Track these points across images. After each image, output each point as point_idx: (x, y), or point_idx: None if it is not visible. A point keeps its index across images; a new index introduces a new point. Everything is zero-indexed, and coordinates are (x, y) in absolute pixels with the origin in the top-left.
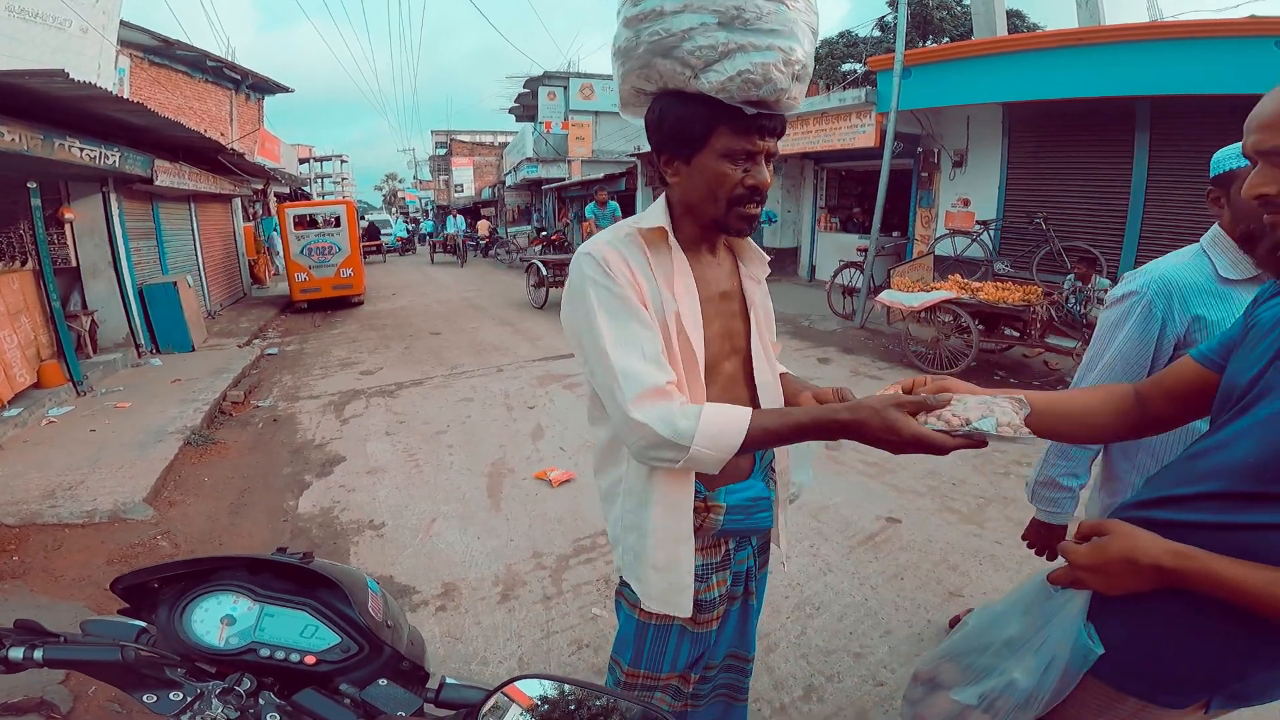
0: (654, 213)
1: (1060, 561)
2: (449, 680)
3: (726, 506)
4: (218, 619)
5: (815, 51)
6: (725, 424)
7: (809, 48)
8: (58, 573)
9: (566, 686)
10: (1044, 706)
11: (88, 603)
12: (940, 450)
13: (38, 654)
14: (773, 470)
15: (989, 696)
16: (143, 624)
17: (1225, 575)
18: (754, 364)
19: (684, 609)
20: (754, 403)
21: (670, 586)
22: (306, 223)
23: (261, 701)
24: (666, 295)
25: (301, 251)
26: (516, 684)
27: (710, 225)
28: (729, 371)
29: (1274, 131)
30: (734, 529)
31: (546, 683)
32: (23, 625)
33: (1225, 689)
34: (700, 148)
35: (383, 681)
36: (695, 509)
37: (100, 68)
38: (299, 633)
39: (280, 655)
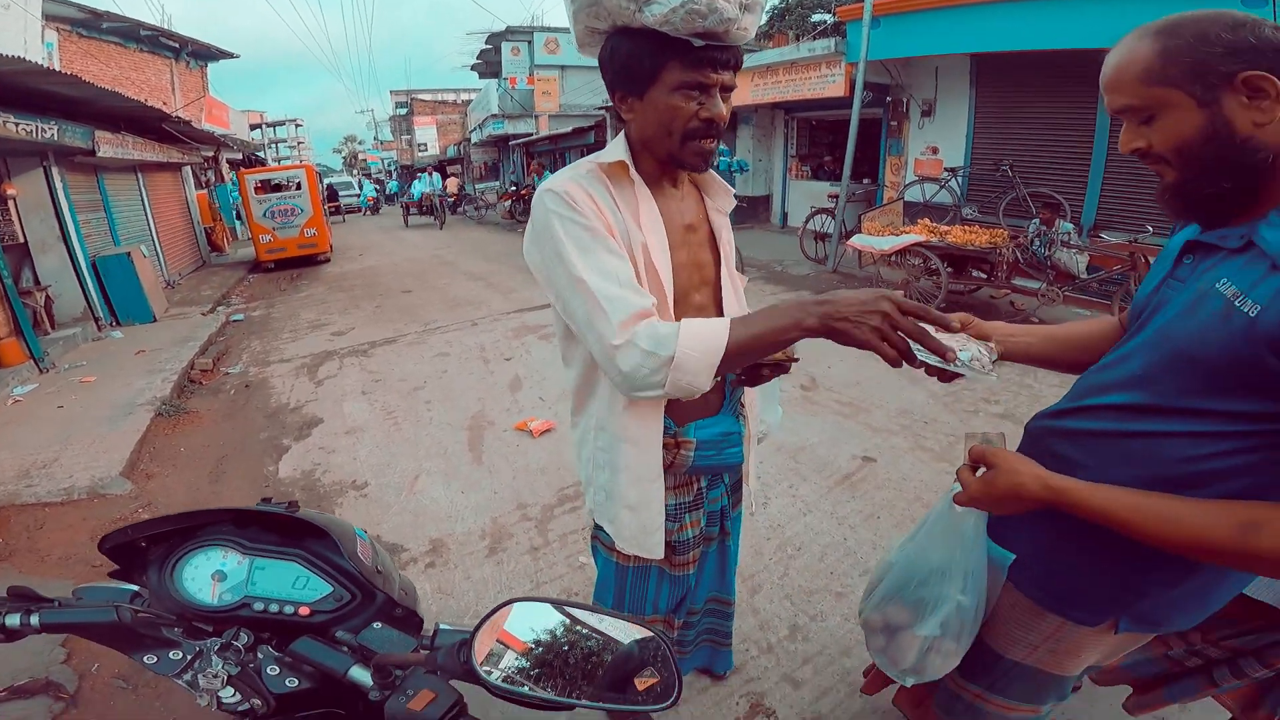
0: (614, 148)
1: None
2: (443, 626)
3: (697, 442)
4: (209, 575)
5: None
6: (706, 327)
7: None
8: (43, 552)
9: (559, 629)
10: (986, 614)
11: (77, 580)
12: (902, 343)
13: (34, 619)
14: (742, 405)
15: (949, 623)
16: (135, 588)
17: (1091, 503)
18: (722, 295)
19: (655, 550)
20: None
21: (642, 527)
22: (268, 187)
23: (260, 655)
24: (632, 227)
25: (264, 215)
26: (507, 628)
27: (667, 160)
28: (698, 302)
29: (1116, 94)
30: (705, 465)
31: (538, 625)
32: (16, 592)
33: (1129, 608)
34: (652, 82)
35: (377, 625)
36: (665, 445)
37: (26, 42)
38: (291, 584)
39: (274, 608)
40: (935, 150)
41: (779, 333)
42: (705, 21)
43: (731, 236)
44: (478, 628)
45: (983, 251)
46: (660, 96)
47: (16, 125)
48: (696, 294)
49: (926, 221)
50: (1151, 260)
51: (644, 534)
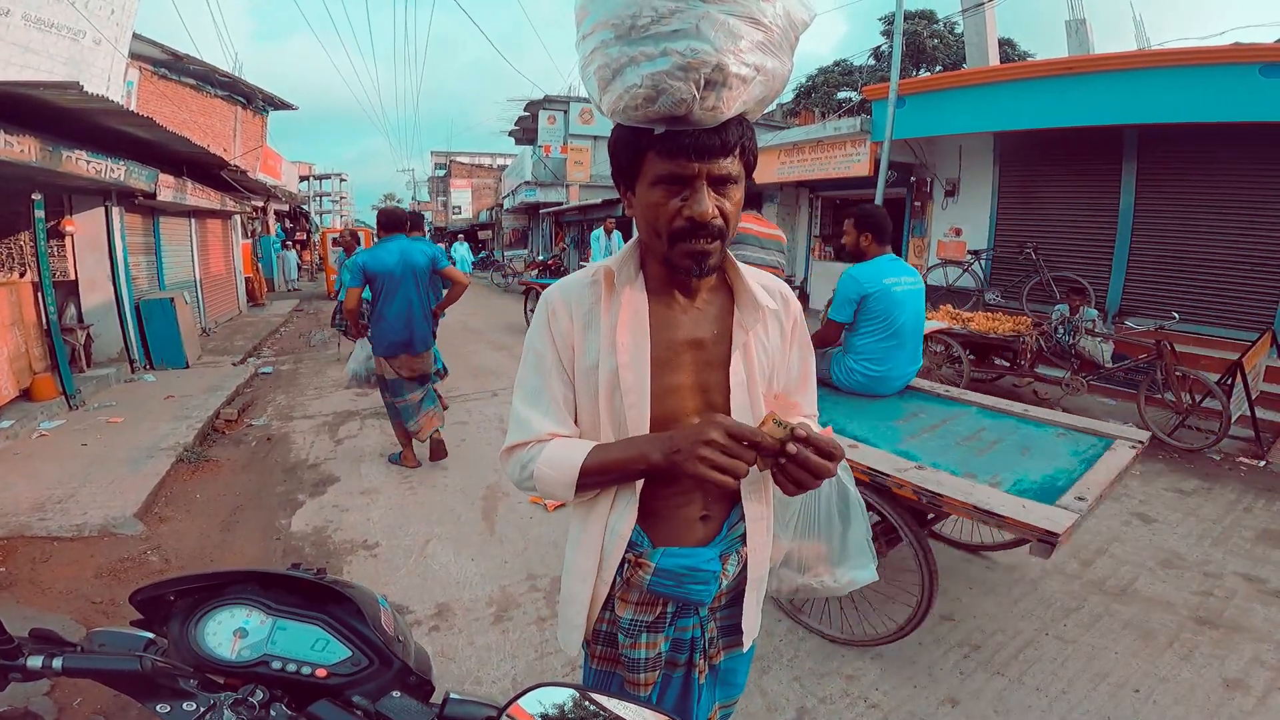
0: (619, 253)
1: None
2: (453, 695)
3: (655, 567)
4: (230, 632)
5: (779, 55)
6: (566, 452)
7: (733, 44)
8: (45, 585)
9: (569, 703)
10: None
11: (74, 616)
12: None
13: (56, 663)
14: (743, 544)
15: None
16: (150, 635)
17: None
18: None
19: (569, 647)
20: None
21: (565, 620)
22: (336, 243)
23: (273, 713)
24: (607, 346)
25: (335, 261)
26: (519, 703)
27: (664, 263)
28: None
29: None
30: (662, 593)
31: (548, 702)
32: (38, 634)
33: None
34: (636, 177)
35: (396, 694)
36: (627, 560)
37: (110, 80)
38: (310, 646)
39: (291, 668)
40: (959, 231)
41: (627, 463)
42: (655, 105)
43: (774, 354)
44: (504, 709)
45: (1006, 339)
46: (644, 192)
47: (88, 163)
48: (697, 418)
49: (949, 307)
50: (1177, 348)
51: (565, 627)
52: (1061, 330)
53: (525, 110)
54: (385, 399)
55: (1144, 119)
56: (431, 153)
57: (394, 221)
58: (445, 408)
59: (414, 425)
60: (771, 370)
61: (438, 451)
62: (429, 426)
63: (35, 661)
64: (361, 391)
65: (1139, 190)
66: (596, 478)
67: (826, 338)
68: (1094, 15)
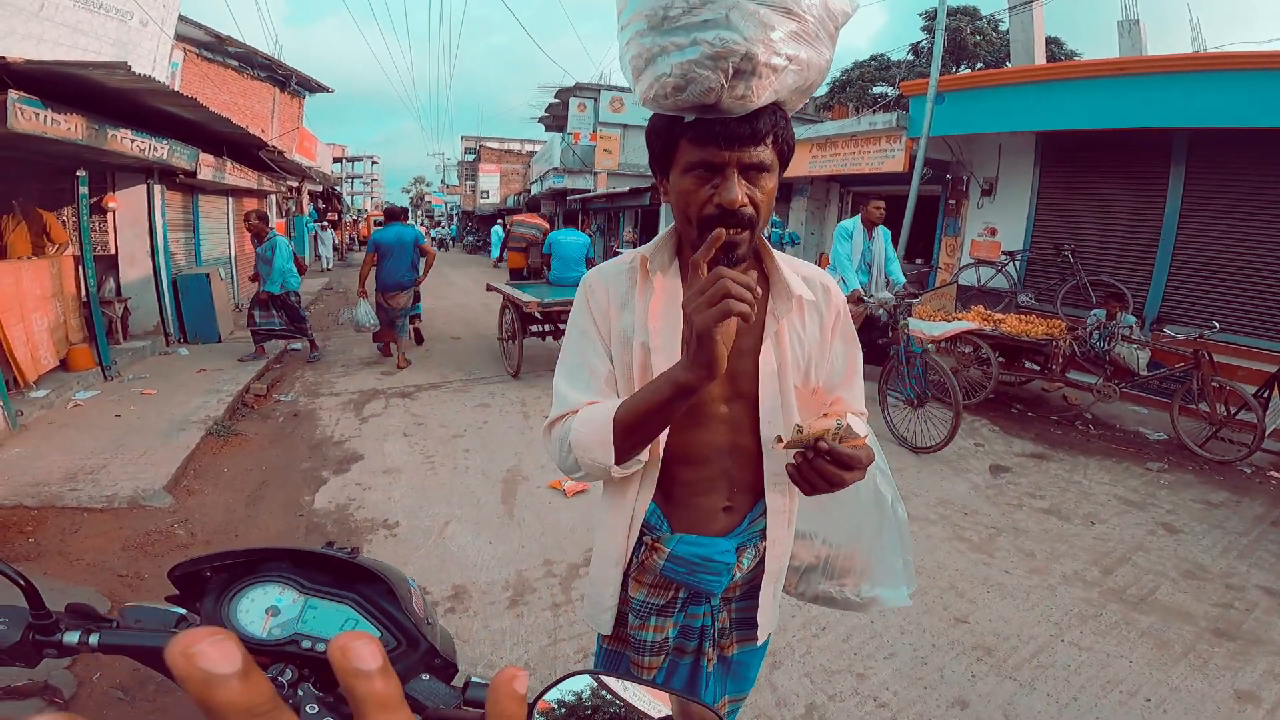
0: (654, 240)
1: None
2: (474, 679)
3: (669, 553)
4: (263, 609)
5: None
6: (600, 408)
7: (764, 34)
8: (73, 556)
9: (587, 694)
10: None
11: (100, 589)
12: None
13: (93, 639)
14: (763, 538)
15: None
16: (182, 611)
17: None
18: (760, 413)
19: (601, 626)
20: (758, 456)
21: (593, 601)
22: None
23: (300, 693)
24: (639, 326)
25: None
26: (545, 697)
27: (695, 250)
28: (728, 416)
29: None
30: (675, 579)
31: (567, 690)
32: (75, 609)
33: None
34: (670, 164)
35: (425, 676)
36: (644, 543)
37: (156, 61)
38: (340, 625)
39: (321, 647)
40: (994, 232)
41: (656, 393)
42: (684, 95)
43: (811, 345)
44: (541, 695)
45: (1038, 343)
46: (676, 179)
47: (133, 142)
48: (725, 406)
49: (980, 308)
50: (1216, 358)
51: (593, 608)
52: (1096, 336)
53: (556, 97)
54: (383, 319)
55: (1198, 123)
56: (462, 137)
57: (394, 214)
58: (420, 339)
59: (399, 333)
60: (808, 362)
61: (405, 342)
62: (402, 345)
63: (72, 637)
64: (361, 330)
65: (1186, 195)
66: (634, 428)
67: None
68: (1149, 16)
